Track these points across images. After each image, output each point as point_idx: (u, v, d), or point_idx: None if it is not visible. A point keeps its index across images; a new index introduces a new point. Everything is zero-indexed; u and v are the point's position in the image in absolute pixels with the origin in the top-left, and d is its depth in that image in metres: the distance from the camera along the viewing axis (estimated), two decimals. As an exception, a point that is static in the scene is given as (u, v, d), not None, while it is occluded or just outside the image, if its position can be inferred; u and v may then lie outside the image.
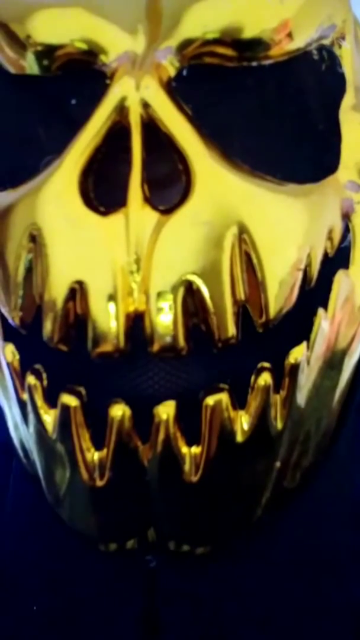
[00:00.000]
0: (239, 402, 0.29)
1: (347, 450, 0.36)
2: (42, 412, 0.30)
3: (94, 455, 0.29)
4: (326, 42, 0.31)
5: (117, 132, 0.27)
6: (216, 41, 0.28)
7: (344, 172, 0.31)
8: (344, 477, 0.37)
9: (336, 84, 0.32)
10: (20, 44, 0.29)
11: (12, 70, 0.30)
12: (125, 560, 0.34)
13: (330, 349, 0.31)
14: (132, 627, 0.34)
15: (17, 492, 0.38)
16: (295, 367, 0.29)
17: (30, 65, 0.29)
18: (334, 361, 0.32)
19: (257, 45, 0.28)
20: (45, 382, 0.30)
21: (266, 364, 0.29)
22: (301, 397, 0.30)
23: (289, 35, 0.29)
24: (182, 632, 0.34)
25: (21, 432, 0.33)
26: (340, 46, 0.32)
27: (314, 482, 0.34)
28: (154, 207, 0.26)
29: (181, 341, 0.27)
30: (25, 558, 0.37)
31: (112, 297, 0.26)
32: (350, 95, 0.32)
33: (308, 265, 0.29)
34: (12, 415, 0.33)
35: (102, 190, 0.27)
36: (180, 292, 0.26)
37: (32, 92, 0.30)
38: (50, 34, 0.28)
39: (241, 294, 0.27)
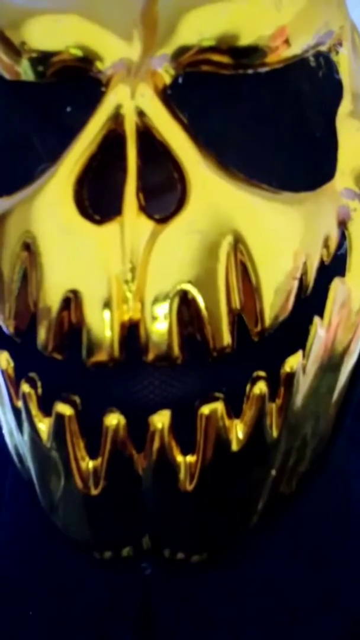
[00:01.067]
0: (234, 411, 0.29)
1: (343, 455, 0.36)
2: (36, 420, 0.29)
3: (89, 464, 0.29)
4: (323, 48, 0.31)
5: (112, 140, 0.27)
6: (212, 49, 0.27)
7: (340, 179, 0.31)
8: (341, 482, 0.37)
9: (333, 91, 0.31)
10: (15, 50, 0.29)
11: (7, 76, 0.29)
12: (120, 568, 0.34)
13: (327, 356, 0.31)
14: (128, 634, 0.34)
15: (12, 498, 0.38)
16: (290, 376, 0.29)
17: (25, 71, 0.29)
18: (330, 368, 0.31)
19: (253, 52, 0.28)
20: (39, 391, 0.30)
21: (261, 373, 0.29)
22: (297, 406, 0.30)
23: (286, 42, 0.29)
24: (176, 638, 0.34)
25: (16, 439, 0.32)
26: (337, 52, 0.31)
27: (311, 488, 0.33)
28: (149, 216, 0.26)
29: (176, 350, 0.27)
30: (19, 565, 0.36)
31: (106, 306, 0.26)
32: (347, 101, 0.32)
33: (304, 273, 0.29)
34: (7, 422, 0.33)
35: (97, 199, 0.27)
36: (176, 301, 0.26)
37: (27, 99, 0.29)
38: (45, 40, 0.28)
39: (236, 303, 0.27)
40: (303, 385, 0.30)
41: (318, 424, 0.32)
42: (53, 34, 0.28)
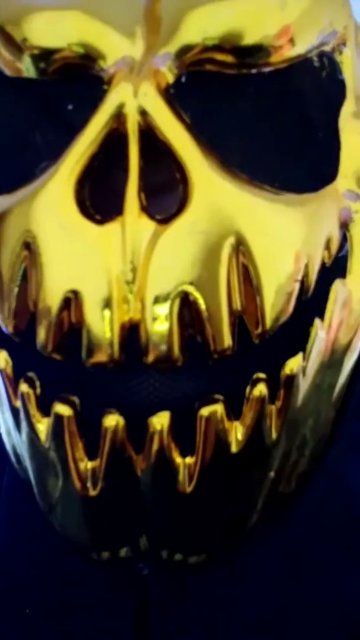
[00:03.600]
0: (234, 412, 0.29)
1: (343, 455, 0.36)
2: (34, 420, 0.29)
3: (87, 465, 0.29)
4: (327, 48, 0.30)
5: (114, 140, 0.27)
6: (216, 47, 0.27)
7: (343, 181, 0.30)
8: (340, 482, 0.37)
9: (336, 91, 0.31)
10: (16, 46, 0.28)
11: (8, 73, 0.29)
12: (118, 569, 0.33)
13: (327, 358, 0.31)
14: (125, 634, 0.34)
15: (10, 497, 0.38)
16: (291, 378, 0.29)
17: (26, 68, 0.28)
18: (330, 370, 0.31)
19: (257, 51, 0.28)
20: (38, 391, 0.30)
21: (262, 375, 0.29)
22: (297, 407, 0.30)
23: (290, 42, 0.28)
24: (174, 639, 0.34)
25: (14, 439, 0.32)
26: (341, 53, 0.31)
27: (310, 487, 0.33)
28: (151, 216, 0.26)
29: (176, 352, 0.26)
30: (17, 564, 0.36)
31: (107, 307, 0.26)
32: (350, 102, 0.32)
33: (305, 275, 0.28)
34: (5, 422, 0.33)
35: (98, 199, 0.27)
36: (176, 302, 0.26)
37: (28, 96, 0.29)
38: (47, 37, 0.28)
39: (237, 305, 0.27)
40: (303, 387, 0.30)
41: (317, 425, 0.32)
42: (55, 30, 0.28)
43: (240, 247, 0.27)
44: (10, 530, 0.37)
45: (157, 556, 0.31)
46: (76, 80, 0.28)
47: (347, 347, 0.32)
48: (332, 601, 0.35)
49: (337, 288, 0.31)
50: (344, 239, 0.31)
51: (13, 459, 0.34)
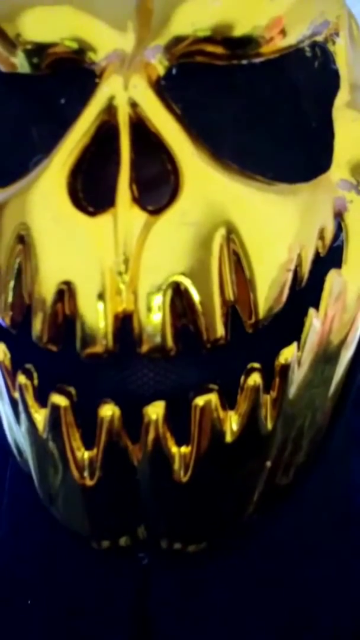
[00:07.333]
0: (228, 402, 0.29)
1: (342, 447, 0.36)
2: (32, 411, 0.30)
3: (84, 455, 0.29)
4: (319, 38, 0.30)
5: (106, 132, 0.27)
6: (206, 39, 0.27)
7: (337, 171, 0.30)
8: (339, 474, 0.37)
9: (329, 81, 0.31)
10: (10, 42, 0.29)
11: (2, 68, 0.30)
12: (118, 558, 0.34)
13: (322, 348, 0.31)
14: (124, 623, 0.34)
15: (13, 490, 0.39)
16: (285, 368, 0.29)
17: (20, 63, 0.29)
18: (326, 360, 0.31)
19: (248, 43, 0.28)
20: (35, 382, 0.30)
21: (256, 365, 0.29)
22: (292, 397, 0.30)
23: (281, 32, 0.29)
24: (174, 628, 0.34)
25: (15, 433, 0.33)
26: (334, 42, 0.31)
27: (308, 479, 0.33)
28: (143, 208, 0.26)
29: (170, 342, 0.27)
30: (20, 556, 0.37)
31: (100, 298, 0.26)
32: (344, 92, 0.31)
33: (298, 265, 0.28)
34: (6, 415, 0.33)
35: (90, 190, 0.27)
36: (169, 293, 0.26)
37: (22, 91, 0.30)
38: (40, 32, 0.28)
39: (230, 295, 0.27)
40: (298, 377, 0.30)
41: (314, 416, 0.32)
42: (48, 25, 0.28)
43: (232, 236, 0.27)
44: (13, 520, 0.37)
45: (156, 546, 0.31)
46: (69, 75, 0.28)
47: (343, 338, 0.32)
48: (332, 591, 0.35)
49: (332, 278, 0.31)
50: (339, 229, 0.31)
51: (15, 452, 0.34)
